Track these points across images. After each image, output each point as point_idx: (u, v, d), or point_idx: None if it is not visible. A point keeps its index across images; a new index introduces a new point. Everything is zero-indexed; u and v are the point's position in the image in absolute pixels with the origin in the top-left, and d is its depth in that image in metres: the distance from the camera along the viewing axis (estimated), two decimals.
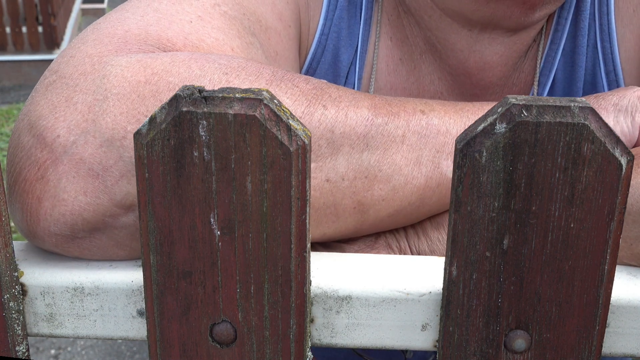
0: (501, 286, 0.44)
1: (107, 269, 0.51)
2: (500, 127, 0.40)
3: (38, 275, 0.50)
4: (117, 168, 0.49)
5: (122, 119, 0.49)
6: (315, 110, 0.52)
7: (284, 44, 0.68)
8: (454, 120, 0.55)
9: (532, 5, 0.69)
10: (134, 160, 0.48)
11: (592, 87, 0.76)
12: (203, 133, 0.41)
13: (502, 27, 0.72)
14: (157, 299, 0.46)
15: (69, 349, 2.49)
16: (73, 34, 6.30)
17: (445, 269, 0.45)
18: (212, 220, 0.43)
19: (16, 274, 0.49)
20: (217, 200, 0.43)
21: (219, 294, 0.45)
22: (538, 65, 0.77)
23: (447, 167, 0.54)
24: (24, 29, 5.49)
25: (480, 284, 0.44)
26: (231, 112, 0.40)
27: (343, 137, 0.52)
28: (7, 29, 5.47)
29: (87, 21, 7.11)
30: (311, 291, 0.48)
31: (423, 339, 0.49)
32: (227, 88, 0.42)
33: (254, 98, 0.41)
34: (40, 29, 5.55)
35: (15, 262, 0.49)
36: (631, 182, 0.49)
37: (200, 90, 0.41)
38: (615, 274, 0.50)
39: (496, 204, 0.42)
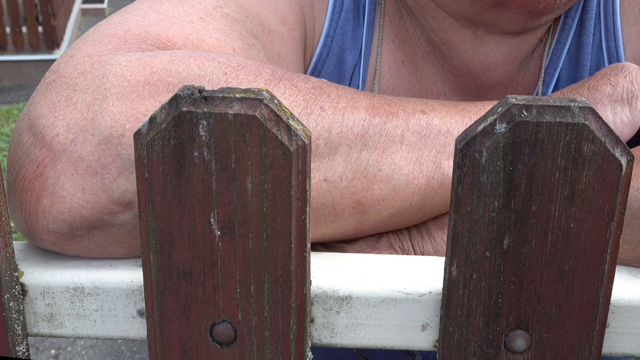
0: (501, 286, 0.44)
1: (107, 269, 0.51)
2: (500, 127, 0.40)
3: (38, 275, 0.50)
4: (115, 166, 0.49)
5: (120, 118, 0.49)
6: (313, 110, 0.51)
7: (287, 47, 0.68)
8: (455, 120, 0.55)
9: (538, 14, 0.68)
10: (132, 158, 0.48)
11: None
12: (203, 133, 0.41)
13: (507, 30, 0.72)
14: (157, 299, 0.46)
15: (69, 349, 2.49)
16: (73, 34, 6.30)
17: (445, 269, 0.45)
18: (212, 220, 0.43)
19: (16, 274, 0.49)
20: (217, 200, 0.43)
21: (219, 294, 0.45)
22: (543, 64, 0.76)
23: (449, 167, 0.53)
24: (24, 29, 5.49)
25: (480, 284, 0.44)
26: (231, 112, 0.40)
27: (340, 137, 0.51)
28: (7, 29, 5.47)
29: (87, 21, 7.11)
30: (311, 291, 0.48)
31: (423, 339, 0.49)
32: (227, 88, 0.42)
33: (254, 98, 0.41)
34: (40, 29, 5.55)
35: (15, 262, 0.49)
36: (635, 184, 0.49)
37: (201, 90, 0.41)
38: (615, 274, 0.50)
39: (496, 204, 0.42)
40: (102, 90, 0.50)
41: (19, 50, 5.48)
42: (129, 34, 0.56)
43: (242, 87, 0.51)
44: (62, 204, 0.49)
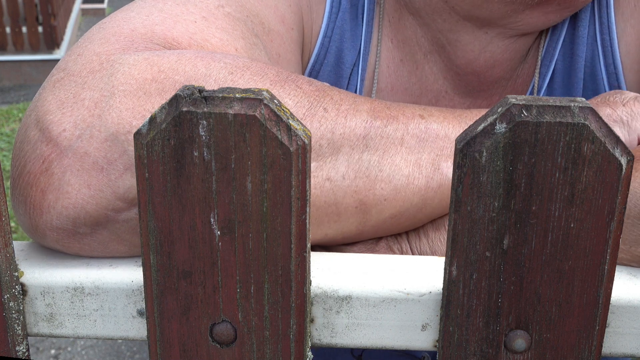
0: (501, 286, 0.44)
1: (107, 269, 0.51)
2: (500, 127, 0.40)
3: (38, 275, 0.50)
4: (122, 162, 0.49)
5: (127, 114, 0.50)
6: (317, 112, 0.52)
7: (286, 47, 0.69)
8: (452, 125, 0.56)
9: (574, 9, 0.70)
10: (134, 150, 0.49)
11: (592, 79, 0.77)
12: (203, 133, 0.41)
13: (527, 30, 0.73)
14: (157, 299, 0.46)
15: (69, 349, 2.49)
16: (73, 33, 6.30)
17: (445, 269, 0.45)
18: (212, 220, 0.43)
19: (16, 274, 0.49)
20: (217, 200, 0.43)
21: (219, 294, 0.45)
22: (539, 56, 0.77)
23: (448, 168, 0.54)
24: (24, 29, 5.49)
25: (480, 284, 0.44)
26: (231, 112, 0.40)
27: (343, 138, 0.52)
28: (7, 29, 5.47)
29: (87, 21, 7.11)
30: (311, 291, 0.48)
31: (423, 339, 0.49)
32: (227, 88, 0.42)
33: (254, 98, 0.41)
34: (40, 29, 5.55)
35: (15, 262, 0.49)
36: (632, 185, 0.49)
37: (200, 90, 0.41)
38: (615, 274, 0.50)
39: (496, 204, 0.42)
40: (110, 88, 0.51)
41: (19, 50, 5.48)
42: (135, 33, 0.56)
43: (247, 87, 0.51)
44: (67, 199, 0.49)
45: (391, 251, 0.58)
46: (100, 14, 7.42)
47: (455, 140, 0.42)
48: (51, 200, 0.50)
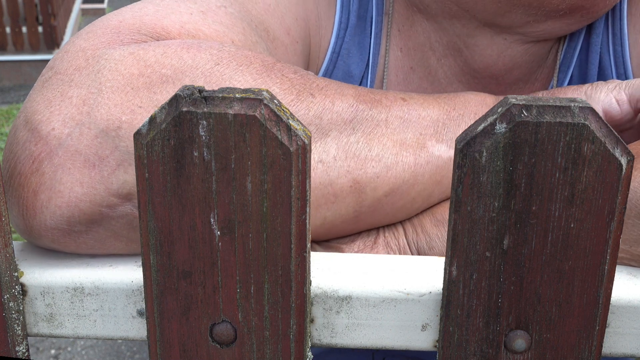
0: (501, 286, 0.44)
1: (107, 269, 0.51)
2: (501, 127, 0.40)
3: (38, 275, 0.50)
4: (114, 157, 0.49)
5: (116, 110, 0.50)
6: (305, 98, 0.54)
7: (290, 57, 0.69)
8: (432, 106, 0.59)
9: (597, 17, 0.72)
10: (130, 149, 0.49)
11: None
12: (203, 133, 0.41)
13: (549, 36, 0.74)
14: (157, 299, 0.46)
15: (69, 349, 2.49)
16: (73, 34, 6.29)
17: (445, 269, 0.45)
18: (212, 220, 0.43)
19: (16, 274, 0.49)
20: (217, 200, 0.43)
21: (219, 294, 0.45)
22: (558, 61, 0.78)
23: (432, 146, 0.57)
24: (24, 29, 5.49)
25: (480, 284, 0.44)
26: (231, 112, 0.40)
27: (330, 123, 0.54)
28: (7, 29, 5.46)
29: (87, 21, 7.11)
30: (311, 291, 0.48)
31: (423, 339, 0.49)
32: (227, 88, 0.42)
33: (254, 98, 0.41)
34: (40, 29, 5.54)
35: (15, 262, 0.49)
36: (632, 185, 0.49)
37: (200, 90, 0.41)
38: (615, 274, 0.50)
39: (496, 204, 0.42)
40: (97, 85, 0.51)
41: (19, 50, 5.47)
42: (123, 24, 0.56)
43: (234, 77, 0.52)
44: (60, 198, 0.49)
45: (389, 248, 0.59)
46: (100, 14, 7.41)
47: (456, 141, 0.42)
48: (44, 200, 0.49)
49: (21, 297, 0.50)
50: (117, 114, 0.49)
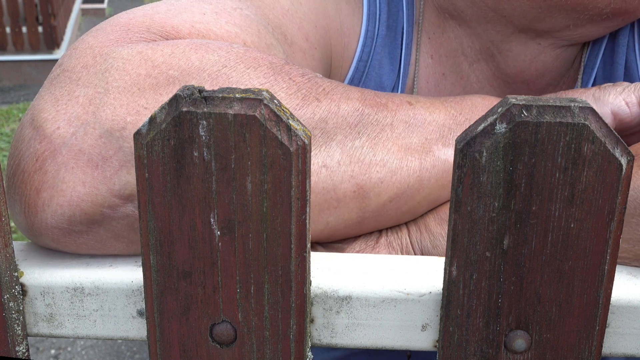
0: (501, 286, 0.44)
1: (107, 269, 0.51)
2: (501, 127, 0.40)
3: (38, 276, 0.50)
4: (117, 158, 0.49)
5: (122, 111, 0.49)
6: (310, 102, 0.53)
7: (308, 62, 0.69)
8: (439, 111, 0.58)
9: (633, 19, 0.72)
10: (133, 151, 0.48)
11: None
12: (203, 133, 0.41)
13: (583, 40, 0.75)
14: (157, 299, 0.46)
15: (69, 349, 2.49)
16: (73, 33, 6.30)
17: (445, 269, 0.45)
18: (212, 220, 0.43)
19: (16, 274, 0.49)
20: (217, 200, 0.43)
21: (219, 294, 0.45)
22: (582, 63, 0.78)
23: (438, 150, 0.56)
24: (24, 29, 5.49)
25: (480, 284, 0.44)
26: (231, 112, 0.40)
27: (336, 127, 0.54)
28: (7, 29, 5.46)
29: (87, 21, 7.11)
30: (311, 291, 0.48)
31: (423, 339, 0.49)
32: (227, 88, 0.42)
33: (254, 98, 0.41)
34: (40, 29, 5.54)
35: (15, 262, 0.49)
36: (634, 184, 0.49)
37: (200, 90, 0.41)
38: (615, 274, 0.50)
39: (496, 204, 0.42)
40: (104, 85, 0.51)
41: (19, 50, 5.47)
42: (133, 22, 0.56)
43: (240, 80, 0.52)
44: (62, 197, 0.49)
45: (391, 247, 0.59)
46: (100, 14, 7.41)
47: (456, 141, 0.42)
48: (46, 198, 0.49)
49: (21, 297, 0.50)
50: (122, 114, 0.49)
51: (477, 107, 0.61)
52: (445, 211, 0.58)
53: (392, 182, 0.55)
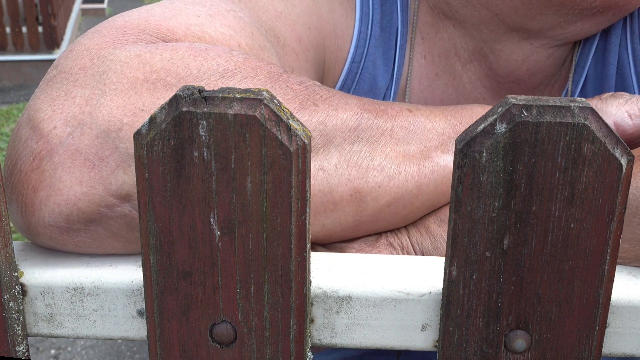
0: (501, 286, 0.44)
1: (107, 269, 0.51)
2: (501, 127, 0.40)
3: (38, 276, 0.50)
4: (113, 158, 0.49)
5: (118, 112, 0.50)
6: (308, 107, 0.53)
7: (301, 64, 0.69)
8: (439, 118, 0.58)
9: (625, 14, 0.72)
10: (130, 151, 0.49)
11: (623, 86, 0.79)
12: (203, 133, 0.41)
13: (573, 38, 0.75)
14: (157, 299, 0.46)
15: (69, 349, 2.49)
16: (73, 34, 6.30)
17: (445, 269, 0.45)
18: (212, 220, 0.43)
19: (16, 274, 0.49)
20: (217, 200, 0.43)
21: (219, 294, 0.45)
22: (573, 63, 0.78)
23: (438, 157, 0.56)
24: (24, 29, 5.49)
25: (480, 284, 0.44)
26: (231, 112, 0.40)
27: (335, 130, 0.54)
28: (7, 29, 5.46)
29: (87, 21, 7.11)
30: (311, 291, 0.48)
31: (423, 339, 0.49)
32: (227, 88, 0.42)
33: (254, 98, 0.41)
34: (40, 29, 5.54)
35: (15, 262, 0.49)
36: (634, 183, 0.49)
37: (200, 90, 0.41)
38: (615, 274, 0.50)
39: (496, 204, 0.42)
40: (101, 86, 0.51)
41: (19, 50, 5.47)
42: (128, 25, 0.56)
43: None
44: (59, 196, 0.49)
45: (392, 247, 0.58)
46: (100, 14, 7.41)
47: (456, 141, 0.42)
48: (43, 197, 0.49)
49: (21, 297, 0.50)
50: (119, 115, 0.50)
51: (477, 116, 0.61)
52: (444, 212, 0.58)
53: (390, 187, 0.55)
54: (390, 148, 0.55)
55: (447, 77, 0.80)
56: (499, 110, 0.41)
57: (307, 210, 0.43)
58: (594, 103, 0.64)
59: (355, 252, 0.58)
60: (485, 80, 0.80)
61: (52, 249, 0.53)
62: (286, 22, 0.68)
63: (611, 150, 0.40)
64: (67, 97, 0.51)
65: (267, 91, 0.42)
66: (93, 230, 0.51)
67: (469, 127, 0.42)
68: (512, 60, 0.77)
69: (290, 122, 0.41)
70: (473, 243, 0.43)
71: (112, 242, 0.51)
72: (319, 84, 0.57)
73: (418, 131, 0.56)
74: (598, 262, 0.43)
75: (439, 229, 0.58)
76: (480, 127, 0.41)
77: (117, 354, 2.49)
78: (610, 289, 0.44)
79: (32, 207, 0.50)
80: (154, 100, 0.50)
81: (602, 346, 0.46)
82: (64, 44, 5.79)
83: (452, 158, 0.56)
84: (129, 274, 0.50)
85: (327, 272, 0.50)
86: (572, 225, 0.42)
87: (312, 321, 0.49)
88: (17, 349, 0.50)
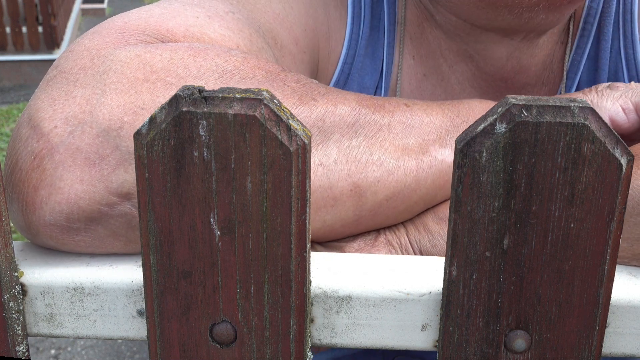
0: (501, 286, 0.44)
1: (107, 269, 0.51)
2: (501, 127, 0.40)
3: (38, 275, 0.50)
4: (114, 157, 0.49)
5: (118, 111, 0.50)
6: (307, 102, 0.54)
7: (297, 66, 0.70)
8: (436, 112, 0.58)
9: (560, 10, 0.71)
10: (130, 150, 0.49)
11: None
12: (203, 133, 0.41)
13: (540, 30, 0.74)
14: (157, 299, 0.46)
15: (69, 349, 2.49)
16: (73, 34, 6.30)
17: (445, 269, 0.45)
18: (212, 220, 0.43)
19: (16, 274, 0.49)
20: (217, 200, 0.43)
21: (219, 294, 0.45)
22: (565, 69, 0.79)
23: (436, 151, 0.57)
24: (24, 29, 5.49)
25: (480, 284, 0.44)
26: (231, 112, 0.40)
27: (333, 126, 0.54)
28: (7, 29, 5.46)
29: (87, 21, 7.11)
30: (311, 291, 0.48)
31: (423, 339, 0.49)
32: (227, 88, 0.42)
33: (254, 98, 0.41)
34: (40, 29, 5.54)
35: (15, 262, 0.49)
36: (634, 184, 0.50)
37: (200, 90, 0.41)
38: (615, 274, 0.50)
39: (496, 204, 0.42)
40: (102, 86, 0.51)
41: (19, 50, 5.47)
42: (128, 25, 0.57)
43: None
44: (60, 195, 0.49)
45: (390, 246, 0.59)
46: (100, 14, 7.41)
47: (456, 141, 0.42)
48: (43, 196, 0.50)
49: (21, 297, 0.50)
50: (119, 114, 0.50)
51: (475, 109, 0.61)
52: (443, 210, 0.59)
53: (389, 182, 0.55)
54: (389, 142, 0.55)
55: (435, 77, 0.81)
56: (498, 110, 0.41)
57: (307, 210, 0.43)
58: (591, 97, 0.64)
59: (355, 251, 0.58)
60: (473, 80, 0.80)
61: (52, 249, 0.53)
62: (284, 24, 0.68)
63: (611, 150, 0.40)
64: (68, 97, 0.51)
65: (267, 91, 0.42)
66: (93, 229, 0.51)
67: (469, 127, 0.42)
68: (496, 58, 0.77)
69: (290, 122, 0.41)
70: (473, 243, 0.43)
71: (113, 241, 0.52)
72: (316, 81, 0.58)
73: (416, 125, 0.57)
74: (598, 262, 0.43)
75: (436, 226, 0.58)
76: (480, 127, 0.41)
77: (117, 354, 2.49)
78: (610, 289, 0.44)
79: (32, 205, 0.50)
80: (154, 99, 0.51)
81: (602, 346, 0.46)
82: (64, 44, 5.79)
83: (450, 152, 0.57)
84: (129, 274, 0.50)
85: (327, 272, 0.50)
86: (572, 225, 0.42)
87: (312, 321, 0.49)
88: (17, 349, 0.50)
